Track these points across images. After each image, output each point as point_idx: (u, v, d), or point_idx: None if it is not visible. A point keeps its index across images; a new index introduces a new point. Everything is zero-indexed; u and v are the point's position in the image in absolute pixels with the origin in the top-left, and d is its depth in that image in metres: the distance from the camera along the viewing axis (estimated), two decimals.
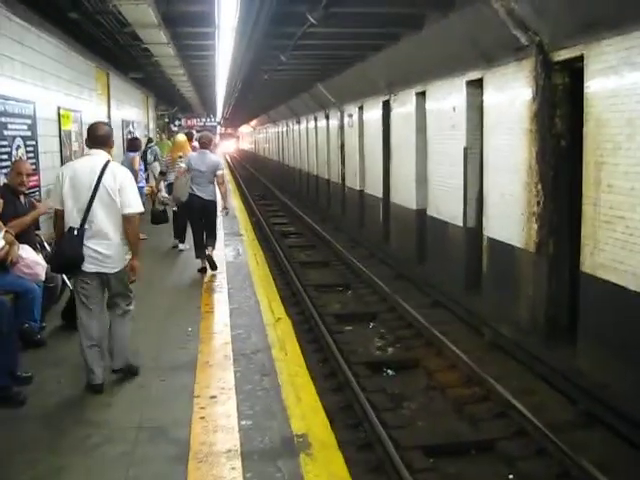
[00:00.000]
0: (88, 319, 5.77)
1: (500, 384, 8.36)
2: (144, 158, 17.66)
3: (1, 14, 9.26)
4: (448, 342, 9.98)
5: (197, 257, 10.66)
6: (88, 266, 5.65)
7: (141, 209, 5.86)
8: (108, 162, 5.75)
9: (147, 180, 16.87)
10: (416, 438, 7.32)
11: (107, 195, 5.63)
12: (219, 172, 10.62)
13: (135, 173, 13.41)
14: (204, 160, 10.54)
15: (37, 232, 7.92)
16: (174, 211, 11.82)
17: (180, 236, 12.29)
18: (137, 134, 21.16)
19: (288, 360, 6.56)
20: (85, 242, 5.59)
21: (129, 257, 5.84)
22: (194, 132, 18.72)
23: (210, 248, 10.53)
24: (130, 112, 21.83)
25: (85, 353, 5.72)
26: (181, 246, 12.21)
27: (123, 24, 11.61)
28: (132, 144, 14.52)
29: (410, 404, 8.51)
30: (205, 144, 10.97)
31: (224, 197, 11.12)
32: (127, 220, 5.72)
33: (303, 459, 4.57)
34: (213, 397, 5.54)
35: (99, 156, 5.82)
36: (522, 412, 7.59)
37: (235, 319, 7.85)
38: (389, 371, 9.59)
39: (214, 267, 10.42)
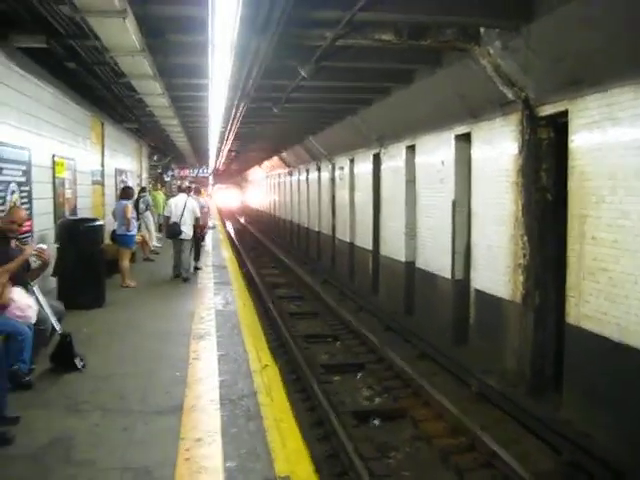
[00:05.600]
0: (177, 256, 14.78)
1: (486, 434, 8.38)
2: (136, 207, 17.81)
3: (2, 63, 9.46)
4: (435, 393, 10.00)
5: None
6: (180, 236, 14.42)
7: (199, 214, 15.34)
8: (187, 198, 14.98)
9: (139, 229, 16.99)
10: None
11: (189, 209, 14.62)
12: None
13: (127, 221, 13.56)
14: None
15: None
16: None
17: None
18: (130, 183, 21.33)
19: (274, 406, 6.57)
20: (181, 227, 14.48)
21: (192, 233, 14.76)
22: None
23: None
24: (124, 161, 22.00)
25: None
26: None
27: (119, 75, 11.81)
28: (125, 192, 14.60)
29: (396, 454, 8.51)
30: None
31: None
32: (198, 218, 15.20)
33: None
34: (198, 439, 5.53)
35: (183, 195, 15.29)
36: (507, 462, 7.60)
37: (222, 365, 7.85)
38: (376, 421, 9.59)
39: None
